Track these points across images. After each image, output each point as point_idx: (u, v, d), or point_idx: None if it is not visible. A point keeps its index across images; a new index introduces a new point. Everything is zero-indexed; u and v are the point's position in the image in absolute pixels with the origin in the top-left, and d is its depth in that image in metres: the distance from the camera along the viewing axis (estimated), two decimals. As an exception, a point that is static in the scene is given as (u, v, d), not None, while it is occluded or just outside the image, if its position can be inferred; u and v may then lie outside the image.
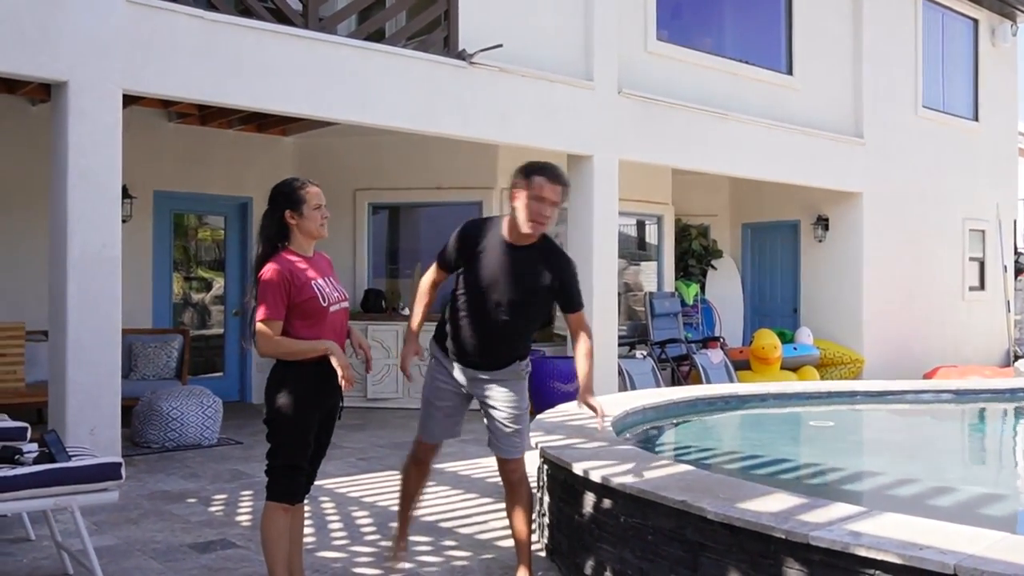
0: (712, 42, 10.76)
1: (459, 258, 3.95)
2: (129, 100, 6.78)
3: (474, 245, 3.91)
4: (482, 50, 8.02)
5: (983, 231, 14.18)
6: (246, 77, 6.72)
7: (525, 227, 3.81)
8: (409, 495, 4.29)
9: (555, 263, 3.91)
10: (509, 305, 3.84)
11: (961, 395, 7.65)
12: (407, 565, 4.40)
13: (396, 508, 4.92)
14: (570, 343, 9.34)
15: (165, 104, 8.93)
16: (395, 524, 4.76)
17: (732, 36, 11.21)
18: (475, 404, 4.11)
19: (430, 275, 4.11)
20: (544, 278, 3.87)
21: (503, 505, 5.02)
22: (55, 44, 5.88)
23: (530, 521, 4.09)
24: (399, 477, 4.39)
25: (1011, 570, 2.47)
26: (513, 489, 4.06)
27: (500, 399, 3.97)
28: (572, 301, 3.96)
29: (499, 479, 4.19)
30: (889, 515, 3.05)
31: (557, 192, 3.82)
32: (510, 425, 3.99)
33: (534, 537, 4.86)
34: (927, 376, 11.52)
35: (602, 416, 3.97)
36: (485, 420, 4.06)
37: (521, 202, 3.82)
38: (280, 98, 6.96)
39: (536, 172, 3.84)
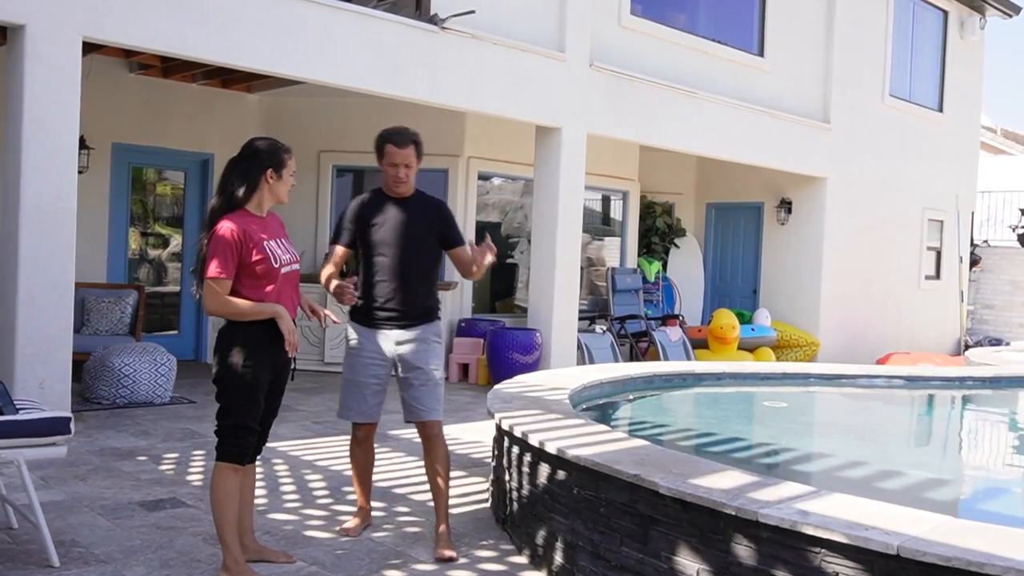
0: (685, 19, 10.74)
1: (356, 228, 4.28)
2: (89, 48, 6.61)
3: (364, 214, 4.28)
4: (454, 15, 7.92)
5: (941, 221, 14.40)
6: (211, 30, 6.57)
7: (394, 189, 4.25)
8: (360, 475, 4.48)
9: (432, 208, 4.34)
10: (407, 249, 4.21)
11: (912, 382, 7.77)
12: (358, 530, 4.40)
13: (349, 472, 4.94)
14: (531, 314, 9.39)
15: (127, 54, 8.73)
16: (348, 488, 4.86)
17: (705, 14, 11.20)
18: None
19: (333, 257, 4.32)
20: (426, 221, 4.28)
21: (457, 473, 5.04)
22: (13, -15, 5.69)
23: (449, 476, 4.31)
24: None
25: (952, 552, 2.52)
26: (435, 447, 4.27)
27: (421, 359, 4.22)
28: (453, 238, 4.34)
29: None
30: (837, 495, 3.09)
31: (405, 155, 4.20)
32: (433, 385, 4.22)
33: (487, 506, 4.89)
34: (880, 362, 11.73)
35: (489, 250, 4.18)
36: (403, 389, 4.25)
37: (383, 168, 4.24)
38: (245, 53, 6.82)
39: (387, 141, 4.22)
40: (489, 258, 4.18)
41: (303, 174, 10.10)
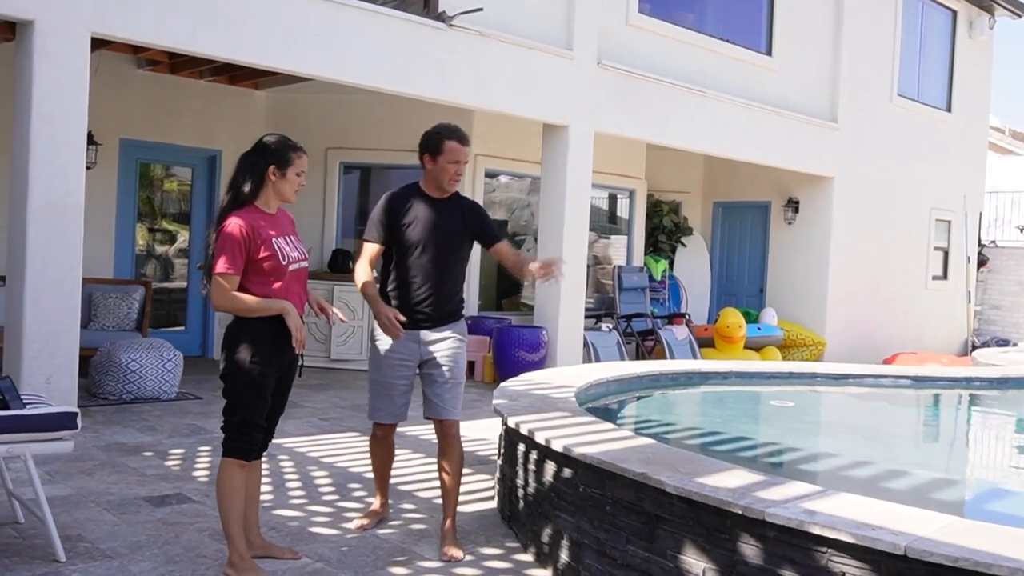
0: (693, 18, 10.72)
1: (392, 224, 4.16)
2: (97, 44, 6.62)
3: (402, 210, 4.18)
4: (462, 13, 7.92)
5: (949, 221, 14.36)
6: (219, 26, 6.58)
7: (449, 187, 4.18)
8: (380, 470, 4.51)
9: (469, 209, 4.31)
10: (443, 250, 4.16)
11: (919, 382, 7.75)
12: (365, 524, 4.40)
13: (355, 469, 4.94)
14: (537, 312, 9.38)
15: (135, 50, 8.74)
16: (354, 485, 4.86)
17: (713, 13, 11.17)
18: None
19: (367, 255, 4.20)
20: (465, 222, 4.25)
21: (463, 471, 5.03)
22: (22, -19, 5.70)
23: (460, 476, 4.28)
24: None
25: (959, 553, 2.51)
26: (450, 447, 4.23)
27: (448, 357, 4.18)
28: (492, 236, 4.34)
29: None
30: (844, 495, 3.08)
31: (466, 152, 4.20)
32: (456, 384, 4.19)
33: (492, 503, 4.89)
34: (886, 361, 11.70)
35: (558, 265, 4.18)
36: (427, 386, 4.21)
37: (439, 165, 4.14)
38: (253, 50, 6.83)
39: (448, 137, 4.14)
40: (551, 279, 4.16)
41: (311, 171, 10.11)
